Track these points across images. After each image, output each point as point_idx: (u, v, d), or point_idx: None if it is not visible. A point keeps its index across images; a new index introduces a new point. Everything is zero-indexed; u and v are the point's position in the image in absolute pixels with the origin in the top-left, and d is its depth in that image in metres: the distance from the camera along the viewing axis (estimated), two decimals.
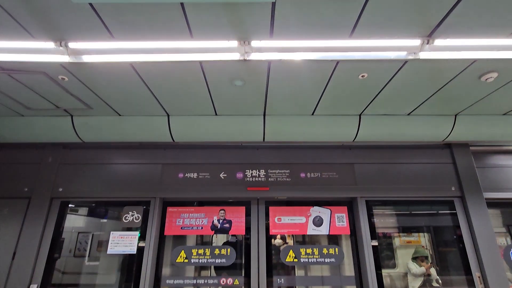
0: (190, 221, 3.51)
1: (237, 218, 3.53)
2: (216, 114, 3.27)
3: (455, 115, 3.28)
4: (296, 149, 3.74)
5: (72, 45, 2.17)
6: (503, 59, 2.27)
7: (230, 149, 3.74)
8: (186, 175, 3.60)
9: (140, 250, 3.27)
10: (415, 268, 3.62)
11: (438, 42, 2.14)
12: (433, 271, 3.50)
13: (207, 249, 3.37)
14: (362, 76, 2.51)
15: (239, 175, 3.62)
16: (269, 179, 3.60)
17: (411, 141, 3.48)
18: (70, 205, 3.56)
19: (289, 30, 2.01)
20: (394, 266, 3.78)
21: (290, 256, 3.36)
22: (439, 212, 3.65)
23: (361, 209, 3.48)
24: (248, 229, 3.47)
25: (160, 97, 2.90)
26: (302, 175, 3.62)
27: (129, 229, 3.40)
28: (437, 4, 1.81)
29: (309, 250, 3.37)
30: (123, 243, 3.30)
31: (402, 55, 2.26)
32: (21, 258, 3.17)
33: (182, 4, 1.79)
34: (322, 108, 3.13)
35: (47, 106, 3.05)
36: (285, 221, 3.54)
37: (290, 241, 3.92)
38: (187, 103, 3.02)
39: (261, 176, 3.62)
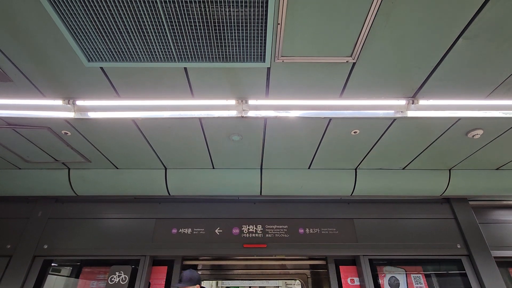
0: None
1: None
2: (213, 168, 3.30)
3: (450, 170, 3.33)
4: (294, 203, 3.67)
5: (80, 102, 2.30)
6: (486, 117, 2.41)
7: (226, 203, 3.66)
8: (180, 230, 3.45)
9: None
10: None
11: (423, 102, 2.29)
12: None
13: None
14: (354, 132, 2.63)
15: (235, 230, 3.48)
16: (267, 235, 3.45)
17: (409, 195, 3.46)
18: (52, 264, 3.31)
19: (283, 91, 2.17)
20: None
21: None
22: (449, 272, 3.42)
23: (364, 268, 3.26)
24: None
25: (159, 151, 2.96)
26: (301, 231, 3.48)
27: None
28: (417, 70, 2.00)
29: None
30: None
31: (390, 113, 2.40)
32: None
33: (185, 68, 1.97)
34: (318, 162, 3.18)
35: (46, 159, 3.08)
36: (358, 283, 3.30)
37: None
38: (185, 157, 3.07)
39: (258, 231, 3.47)
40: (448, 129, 2.58)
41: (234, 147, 2.88)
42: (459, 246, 3.37)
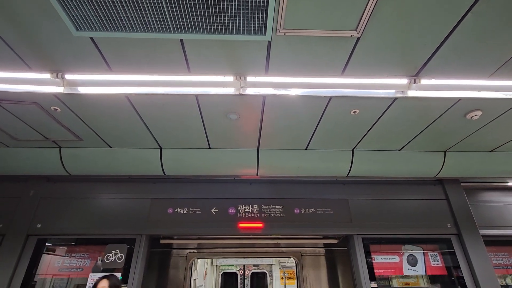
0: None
1: None
2: (209, 148, 3.25)
3: (445, 152, 3.35)
4: (290, 184, 3.68)
5: (69, 76, 2.18)
6: (486, 98, 2.39)
7: (222, 184, 3.65)
8: (176, 210, 3.44)
9: None
10: None
11: (424, 81, 2.25)
12: None
13: None
14: (354, 112, 2.59)
15: (231, 210, 3.49)
16: (263, 215, 3.48)
17: (404, 176, 3.50)
18: (47, 244, 3.29)
19: (284, 67, 2.09)
20: None
21: None
22: (438, 250, 3.53)
23: (357, 247, 3.35)
24: None
25: (154, 130, 2.88)
26: (297, 211, 3.52)
27: (111, 270, 3.12)
28: (421, 47, 1.94)
29: None
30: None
31: (391, 93, 2.36)
32: None
33: (181, 40, 1.86)
34: (315, 143, 3.16)
35: (35, 137, 2.97)
36: (379, 260, 3.39)
37: None
38: (181, 136, 3.01)
39: (254, 211, 3.49)
40: (447, 110, 2.56)
41: (231, 126, 2.82)
42: (449, 226, 3.47)
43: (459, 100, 2.42)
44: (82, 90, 2.28)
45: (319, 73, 2.16)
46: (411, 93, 2.33)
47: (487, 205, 3.74)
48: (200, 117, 2.66)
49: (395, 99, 2.41)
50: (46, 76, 2.17)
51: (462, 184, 3.72)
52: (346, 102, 2.45)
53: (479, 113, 2.57)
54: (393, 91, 2.35)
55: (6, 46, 1.90)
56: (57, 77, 2.16)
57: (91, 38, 1.85)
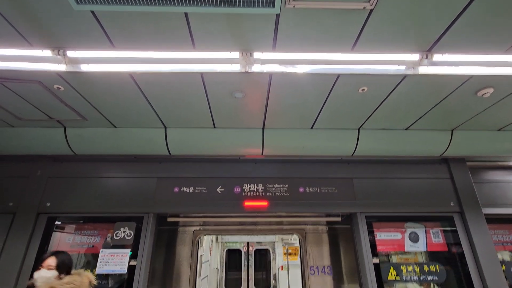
0: None
1: None
2: (214, 127, 3.23)
3: (452, 130, 3.32)
4: (295, 163, 3.69)
5: (70, 53, 2.13)
6: (499, 75, 2.32)
7: (227, 163, 3.66)
8: (182, 189, 3.49)
9: (131, 269, 3.09)
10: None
11: (437, 57, 2.18)
12: None
13: None
14: (362, 90, 2.53)
15: (237, 189, 3.53)
16: (267, 193, 3.52)
17: (409, 155, 3.49)
18: (57, 222, 3.37)
19: (292, 42, 2.02)
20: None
21: (391, 274, 3.28)
22: (440, 228, 3.60)
23: (361, 225, 3.41)
24: None
25: (158, 109, 2.85)
26: (301, 189, 3.55)
27: (120, 246, 3.22)
28: (436, 21, 1.85)
29: (410, 268, 3.31)
30: (112, 261, 3.12)
31: (401, 69, 2.29)
32: (3, 275, 2.94)
33: (186, 14, 1.79)
34: (321, 122, 3.13)
35: (39, 117, 2.95)
36: (381, 237, 3.47)
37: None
38: (186, 115, 2.98)
39: (259, 190, 3.53)
40: (458, 87, 2.49)
41: (237, 105, 2.78)
42: (452, 204, 3.50)
43: (471, 77, 2.35)
44: (84, 68, 2.23)
45: (328, 49, 2.09)
46: (422, 70, 2.27)
47: (491, 184, 3.75)
48: (205, 96, 2.62)
49: (405, 76, 2.35)
50: (47, 53, 2.12)
51: (467, 163, 3.71)
52: (354, 80, 2.39)
53: (490, 90, 2.51)
54: (404, 67, 2.28)
55: (5, 21, 1.83)
56: (59, 54, 2.11)
57: (92, 12, 1.78)
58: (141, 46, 2.06)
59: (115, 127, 3.18)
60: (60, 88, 2.46)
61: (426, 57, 2.16)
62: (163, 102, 2.73)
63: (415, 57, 2.17)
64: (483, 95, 2.57)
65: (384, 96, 2.64)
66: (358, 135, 3.29)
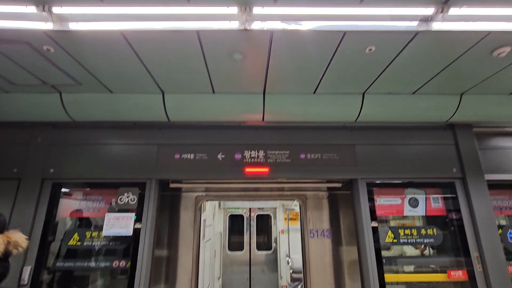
0: None
1: None
2: (213, 92, 3.12)
3: (461, 95, 3.18)
4: (296, 130, 3.63)
5: (56, 10, 1.98)
6: None
7: (228, 130, 3.61)
8: (183, 156, 3.48)
9: (137, 232, 3.19)
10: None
11: (453, 11, 2.00)
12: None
13: None
14: (369, 49, 2.37)
15: (238, 156, 3.52)
16: (268, 160, 3.51)
17: (414, 121, 3.40)
18: (63, 190, 3.43)
19: None
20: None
21: (389, 237, 3.37)
22: (441, 193, 3.62)
23: (361, 190, 3.43)
24: None
25: (154, 73, 2.73)
26: (302, 156, 3.53)
27: (125, 211, 3.31)
28: None
29: (407, 231, 3.39)
30: (118, 224, 3.22)
31: (413, 25, 2.12)
32: None
33: None
34: (324, 86, 3.00)
35: (33, 82, 2.86)
36: (381, 203, 3.52)
37: None
38: (183, 80, 2.86)
39: (260, 157, 3.52)
40: (473, 46, 2.33)
41: (236, 68, 2.65)
42: (454, 170, 3.48)
43: (488, 33, 2.18)
44: (73, 26, 2.09)
45: (334, 2, 1.91)
46: (436, 26, 2.10)
47: (496, 150, 3.69)
48: (202, 58, 2.49)
49: (416, 33, 2.18)
50: (32, 9, 1.97)
51: (474, 129, 3.62)
52: (361, 38, 2.23)
53: (507, 49, 2.34)
54: (415, 23, 2.11)
55: None
56: (44, 11, 1.97)
57: None
58: (131, 0, 1.90)
59: (112, 92, 3.09)
60: (50, 50, 2.33)
61: (442, 11, 1.98)
62: (159, 65, 2.61)
63: (429, 11, 1.99)
64: (498, 54, 2.41)
65: (393, 57, 2.49)
66: (363, 100, 3.18)
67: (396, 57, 2.48)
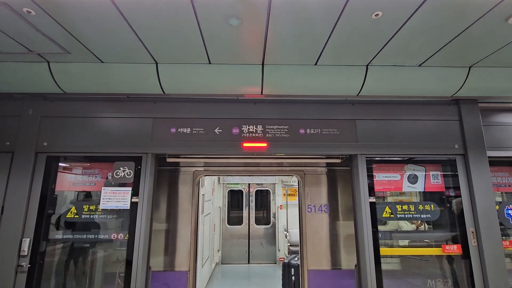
0: None
1: None
2: (209, 63, 2.97)
3: (469, 67, 3.03)
4: (296, 104, 3.52)
5: None
6: None
7: (225, 103, 3.50)
8: (179, 130, 3.40)
9: (134, 205, 3.19)
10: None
11: None
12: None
13: None
14: (376, 15, 2.20)
15: (235, 130, 3.43)
16: (267, 135, 3.43)
17: (419, 95, 3.27)
18: (59, 163, 3.38)
19: None
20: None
21: (386, 212, 3.38)
22: (441, 170, 3.57)
23: (360, 166, 3.38)
24: None
25: (146, 40, 2.57)
26: (301, 131, 3.44)
27: (122, 185, 3.28)
28: None
29: (405, 207, 3.39)
30: (115, 198, 3.21)
31: None
32: (10, 212, 3.07)
33: None
34: (326, 57, 2.85)
35: (18, 49, 2.70)
36: (380, 178, 3.50)
37: None
38: (177, 48, 2.70)
39: (258, 131, 3.44)
40: (487, 11, 2.15)
41: (233, 35, 2.49)
42: (456, 146, 3.41)
43: None
44: None
45: None
46: None
47: (500, 126, 3.60)
48: (196, 23, 2.31)
49: None
50: None
51: (479, 104, 3.50)
52: (368, 0, 2.05)
53: None
54: None
55: None
56: None
57: None
58: None
59: (102, 62, 2.94)
60: (30, 12, 2.16)
61: None
62: (151, 32, 2.44)
63: None
64: None
65: (401, 24, 2.31)
66: (366, 72, 3.03)
67: (404, 24, 2.31)
